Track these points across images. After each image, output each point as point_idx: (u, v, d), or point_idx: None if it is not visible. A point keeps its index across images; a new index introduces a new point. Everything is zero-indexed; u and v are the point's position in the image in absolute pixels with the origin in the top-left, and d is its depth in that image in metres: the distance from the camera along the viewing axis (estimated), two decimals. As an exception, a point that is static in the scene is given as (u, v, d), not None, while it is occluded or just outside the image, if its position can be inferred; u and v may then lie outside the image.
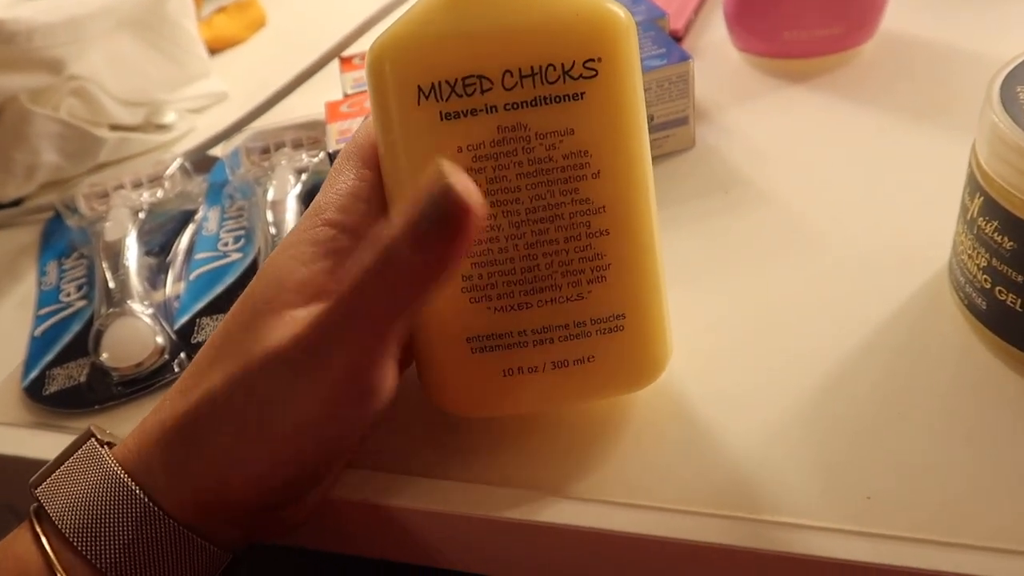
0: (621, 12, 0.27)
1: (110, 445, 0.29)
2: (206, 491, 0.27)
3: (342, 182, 0.29)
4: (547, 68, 0.27)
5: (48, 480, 0.28)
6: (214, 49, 0.67)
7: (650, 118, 0.43)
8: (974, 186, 0.30)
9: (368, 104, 0.29)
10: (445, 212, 0.23)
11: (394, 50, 0.27)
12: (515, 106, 0.27)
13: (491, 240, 0.28)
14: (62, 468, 0.28)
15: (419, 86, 0.27)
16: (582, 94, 0.27)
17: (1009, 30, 0.49)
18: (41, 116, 0.50)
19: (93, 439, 0.29)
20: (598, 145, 0.27)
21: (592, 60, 0.27)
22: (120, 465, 0.27)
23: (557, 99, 0.27)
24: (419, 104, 0.27)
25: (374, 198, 0.29)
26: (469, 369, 0.29)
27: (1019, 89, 0.29)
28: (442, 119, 0.27)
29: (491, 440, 0.32)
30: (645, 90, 0.42)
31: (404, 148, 0.28)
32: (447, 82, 0.27)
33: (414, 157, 0.27)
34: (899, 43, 0.50)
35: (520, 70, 0.27)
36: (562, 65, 0.27)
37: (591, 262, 0.28)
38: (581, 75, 0.27)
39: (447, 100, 0.27)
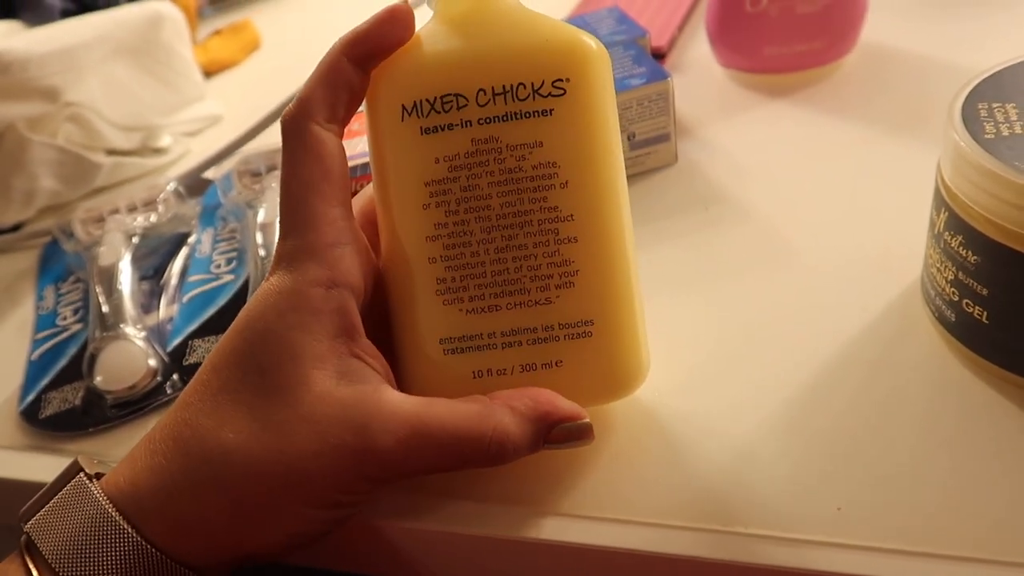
0: (592, 42, 0.29)
1: (98, 476, 0.29)
2: (197, 531, 0.28)
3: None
4: (517, 86, 0.29)
5: (38, 515, 0.29)
6: (209, 72, 0.68)
7: (632, 135, 0.44)
8: (940, 201, 0.31)
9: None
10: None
11: (385, 73, 0.30)
12: (488, 121, 0.29)
13: (463, 244, 0.30)
14: (52, 503, 0.29)
15: (403, 104, 0.29)
16: (551, 110, 0.29)
17: (990, 40, 0.50)
18: (39, 143, 0.52)
19: (82, 473, 0.29)
20: (566, 157, 0.29)
21: (560, 80, 0.29)
22: (109, 500, 0.28)
23: (527, 114, 0.29)
24: (402, 120, 0.29)
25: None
26: (441, 370, 0.30)
27: (981, 106, 0.30)
28: (422, 133, 0.29)
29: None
30: (627, 108, 0.43)
31: (391, 160, 0.30)
32: (427, 100, 0.29)
33: (398, 167, 0.30)
34: (880, 55, 0.51)
35: (493, 88, 0.29)
36: (532, 84, 0.29)
37: (559, 268, 0.30)
38: (550, 93, 0.29)
39: (427, 116, 0.29)
